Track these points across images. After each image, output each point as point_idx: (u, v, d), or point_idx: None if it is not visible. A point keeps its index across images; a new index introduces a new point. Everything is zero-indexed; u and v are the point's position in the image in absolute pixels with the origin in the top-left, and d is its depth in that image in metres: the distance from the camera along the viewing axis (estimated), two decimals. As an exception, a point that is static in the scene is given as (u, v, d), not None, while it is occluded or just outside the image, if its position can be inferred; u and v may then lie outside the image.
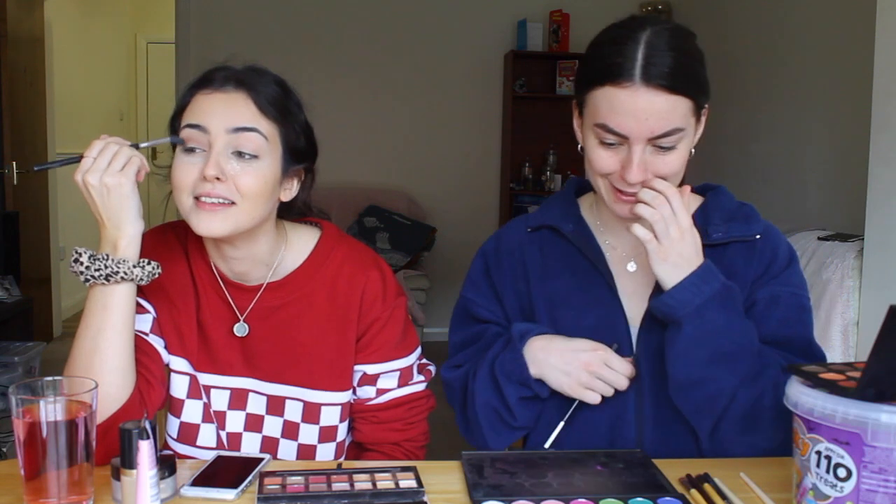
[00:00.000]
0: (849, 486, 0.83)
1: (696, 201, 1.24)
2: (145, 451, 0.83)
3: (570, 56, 4.84)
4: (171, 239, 1.22)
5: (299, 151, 1.15)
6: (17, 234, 4.21)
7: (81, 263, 1.03)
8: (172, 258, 1.20)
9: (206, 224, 1.07)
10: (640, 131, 1.05)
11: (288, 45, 4.66)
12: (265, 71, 1.15)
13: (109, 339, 1.05)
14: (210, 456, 1.07)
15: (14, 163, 4.28)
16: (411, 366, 1.25)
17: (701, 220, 1.19)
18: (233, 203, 1.07)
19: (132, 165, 1.03)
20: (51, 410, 0.88)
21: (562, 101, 4.94)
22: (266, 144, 1.09)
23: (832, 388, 0.86)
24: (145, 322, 1.18)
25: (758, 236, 1.19)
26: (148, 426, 0.85)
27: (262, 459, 1.06)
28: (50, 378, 0.91)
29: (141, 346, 1.15)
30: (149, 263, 1.06)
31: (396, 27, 4.90)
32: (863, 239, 2.39)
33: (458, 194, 5.02)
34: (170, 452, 0.98)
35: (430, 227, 4.64)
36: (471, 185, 5.04)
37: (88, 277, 1.03)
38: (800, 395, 0.87)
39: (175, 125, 1.12)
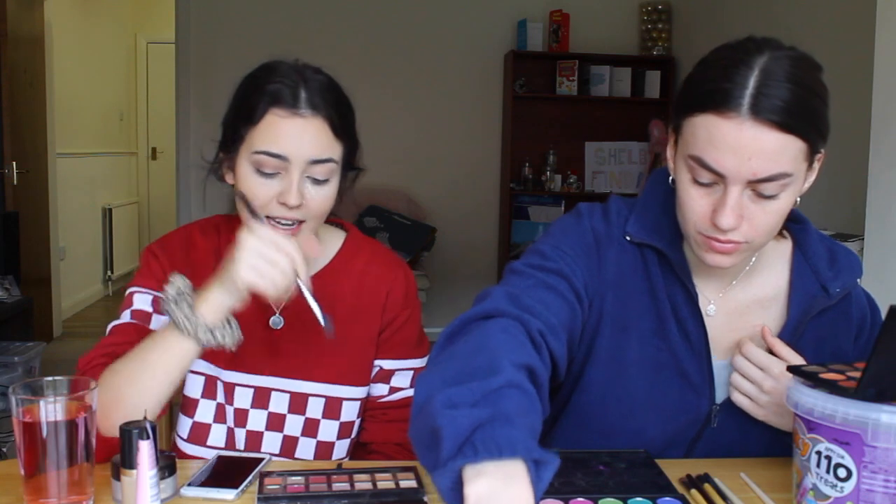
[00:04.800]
0: (849, 486, 0.83)
1: (785, 243, 1.14)
2: (145, 451, 0.83)
3: (570, 56, 4.83)
4: (197, 240, 1.23)
5: (352, 165, 1.20)
6: (17, 234, 4.21)
7: (182, 311, 1.01)
8: (200, 260, 1.21)
9: None
10: (740, 172, 0.91)
11: (287, 45, 4.66)
12: (335, 86, 1.15)
13: (157, 378, 1.03)
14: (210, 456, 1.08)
15: (14, 163, 4.28)
16: (424, 368, 1.27)
17: (810, 273, 1.10)
18: (301, 222, 1.11)
19: (288, 279, 1.01)
20: (51, 410, 0.87)
21: (562, 101, 4.94)
22: (336, 168, 1.13)
23: (832, 388, 0.86)
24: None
25: (858, 280, 1.12)
26: (148, 426, 0.85)
27: (262, 459, 1.06)
28: (50, 378, 0.91)
29: None
30: (225, 336, 1.04)
31: (396, 27, 4.90)
32: (863, 239, 2.39)
33: (458, 194, 5.01)
34: (170, 452, 0.98)
35: (430, 227, 4.64)
36: (471, 185, 5.04)
37: (180, 322, 1.01)
38: (800, 395, 0.87)
39: (238, 127, 1.11)
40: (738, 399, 1.08)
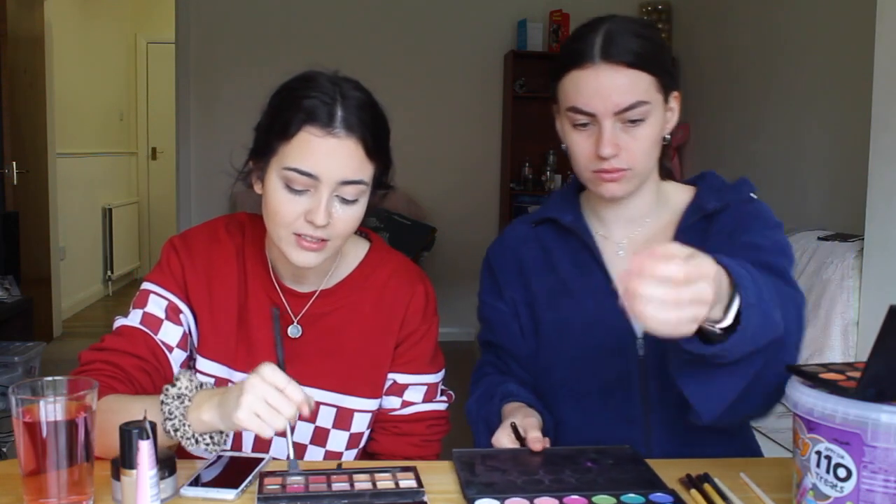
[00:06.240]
0: (849, 486, 0.83)
1: (688, 192, 1.28)
2: (145, 451, 0.83)
3: (570, 56, 4.84)
4: (223, 239, 1.22)
5: (382, 183, 1.18)
6: (17, 234, 4.21)
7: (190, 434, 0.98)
8: (223, 260, 1.20)
9: (304, 258, 1.10)
10: (606, 106, 1.11)
11: (287, 45, 4.66)
12: (372, 104, 1.13)
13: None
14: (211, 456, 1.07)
15: (14, 163, 4.28)
16: (437, 384, 1.28)
17: (695, 203, 1.23)
18: (327, 239, 1.10)
19: (286, 422, 0.94)
20: (51, 410, 0.88)
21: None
22: (366, 189, 1.12)
23: (832, 388, 0.86)
24: (175, 335, 1.17)
25: (753, 195, 1.22)
26: (148, 426, 0.85)
27: (261, 459, 1.06)
28: (50, 378, 0.91)
29: (161, 363, 1.15)
30: (209, 446, 1.01)
31: (396, 27, 4.90)
32: (863, 239, 2.40)
33: (458, 194, 5.02)
34: (170, 452, 0.98)
35: (430, 227, 4.64)
36: (471, 185, 5.04)
37: (167, 426, 0.98)
38: (800, 395, 0.87)
39: (270, 139, 1.09)
40: (662, 318, 0.81)
